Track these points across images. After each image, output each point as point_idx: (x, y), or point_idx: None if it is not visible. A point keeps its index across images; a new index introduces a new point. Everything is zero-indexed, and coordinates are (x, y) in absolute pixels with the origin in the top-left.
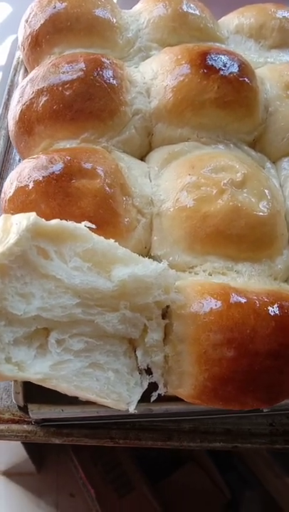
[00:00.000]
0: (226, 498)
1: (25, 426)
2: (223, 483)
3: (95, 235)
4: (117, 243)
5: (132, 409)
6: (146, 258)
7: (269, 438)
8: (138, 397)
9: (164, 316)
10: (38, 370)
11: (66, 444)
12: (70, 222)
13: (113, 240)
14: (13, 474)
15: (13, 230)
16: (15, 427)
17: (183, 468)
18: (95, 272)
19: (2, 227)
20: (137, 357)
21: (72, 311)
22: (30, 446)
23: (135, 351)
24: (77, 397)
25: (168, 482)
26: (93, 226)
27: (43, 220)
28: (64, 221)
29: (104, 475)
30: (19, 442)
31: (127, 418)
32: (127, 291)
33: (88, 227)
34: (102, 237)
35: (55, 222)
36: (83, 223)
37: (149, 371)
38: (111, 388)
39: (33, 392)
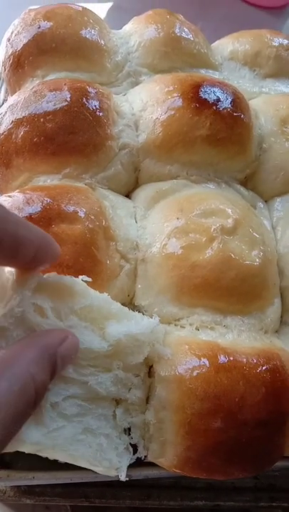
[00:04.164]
0: None
1: None
2: None
3: (91, 291)
4: (109, 297)
5: (122, 477)
6: (136, 312)
7: (253, 495)
8: (127, 462)
9: (149, 374)
10: (35, 439)
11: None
12: (68, 276)
13: (106, 294)
14: None
15: (12, 286)
16: None
17: None
18: (90, 330)
19: None
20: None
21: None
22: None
23: None
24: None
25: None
26: (89, 279)
27: (41, 275)
28: (62, 276)
29: None
30: None
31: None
32: (120, 350)
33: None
34: (97, 292)
35: (53, 276)
36: (80, 277)
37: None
38: (103, 455)
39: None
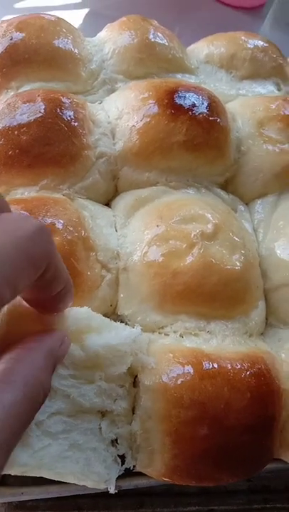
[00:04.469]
0: None
1: None
2: None
3: (70, 312)
4: (90, 309)
5: (112, 490)
6: (119, 323)
7: (247, 497)
8: (116, 474)
9: (134, 384)
10: (22, 461)
11: None
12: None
13: (87, 308)
14: None
15: None
16: None
17: None
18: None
19: None
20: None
21: None
22: None
23: None
24: None
25: None
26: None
27: (21, 303)
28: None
29: None
30: None
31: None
32: (101, 362)
33: None
34: (77, 309)
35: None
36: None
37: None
38: (90, 469)
39: None
